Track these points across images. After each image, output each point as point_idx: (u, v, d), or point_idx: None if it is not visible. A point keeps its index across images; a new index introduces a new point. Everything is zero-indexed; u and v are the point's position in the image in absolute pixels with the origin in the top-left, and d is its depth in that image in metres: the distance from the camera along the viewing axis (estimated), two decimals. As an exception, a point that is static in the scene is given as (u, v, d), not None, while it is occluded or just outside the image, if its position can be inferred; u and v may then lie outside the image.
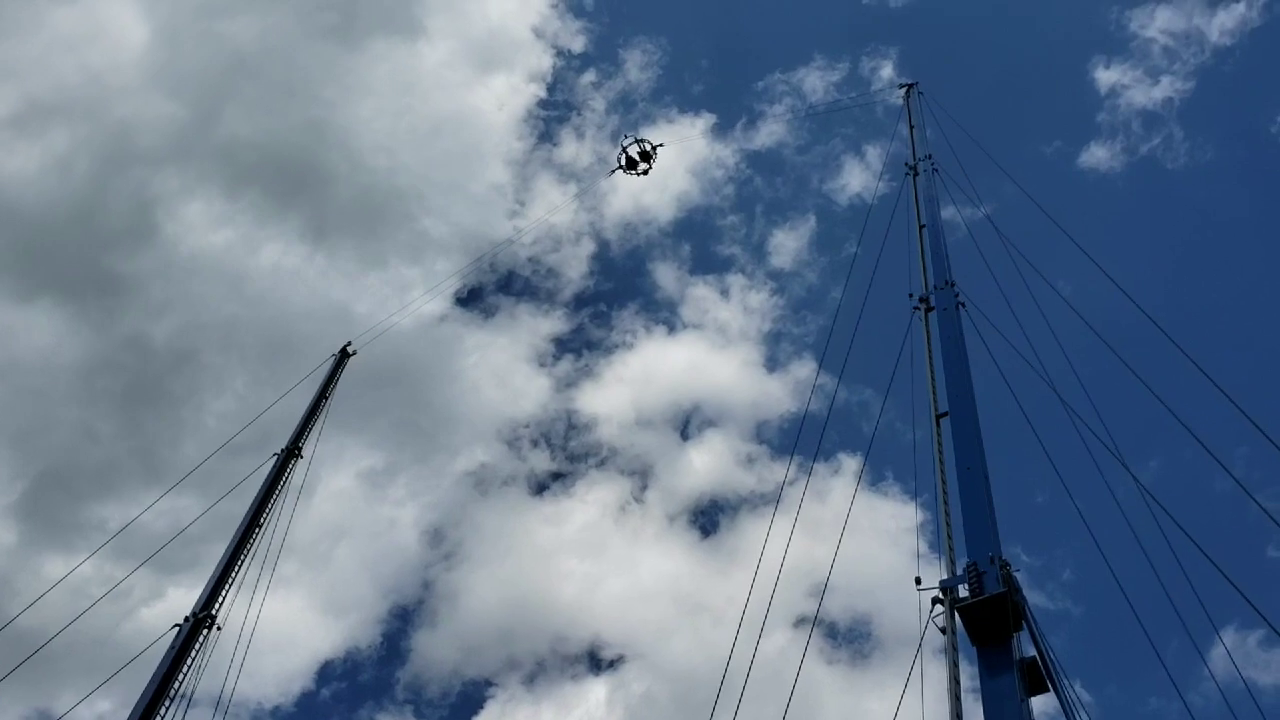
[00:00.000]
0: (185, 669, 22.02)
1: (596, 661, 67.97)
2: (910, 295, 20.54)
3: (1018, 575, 13.11)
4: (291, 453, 28.19)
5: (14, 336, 60.55)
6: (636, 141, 50.42)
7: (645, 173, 50.18)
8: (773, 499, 18.95)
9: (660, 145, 50.46)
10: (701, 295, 77.74)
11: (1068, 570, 62.37)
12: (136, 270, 65.43)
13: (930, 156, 27.67)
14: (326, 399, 30.94)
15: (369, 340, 35.75)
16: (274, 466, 27.42)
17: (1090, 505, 17.30)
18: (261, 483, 26.80)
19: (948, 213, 24.97)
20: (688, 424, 72.72)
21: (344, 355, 33.32)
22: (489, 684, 67.13)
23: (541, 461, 70.66)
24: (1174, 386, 18.59)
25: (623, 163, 49.79)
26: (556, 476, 71.27)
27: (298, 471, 27.76)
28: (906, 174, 27.38)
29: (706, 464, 71.05)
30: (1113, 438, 17.50)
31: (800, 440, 20.69)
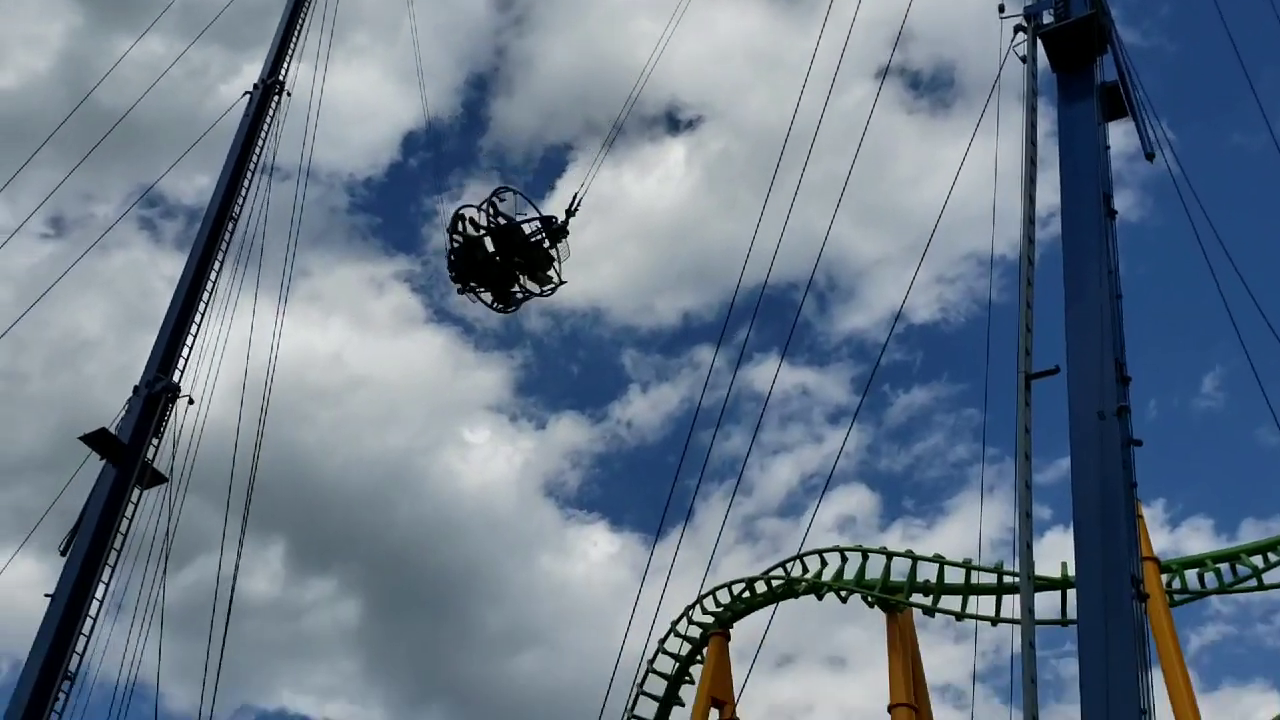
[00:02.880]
0: (263, 135, 22.51)
1: (675, 122, 68.46)
2: None
3: (1107, -3, 12.43)
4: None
5: None
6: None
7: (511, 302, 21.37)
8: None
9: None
10: None
11: (1167, 6, 59.53)
12: None
13: None
14: None
15: None
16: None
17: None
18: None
19: None
20: None
21: None
22: (569, 148, 68.42)
23: (610, -91, 66.62)
24: None
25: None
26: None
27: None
28: None
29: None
30: None
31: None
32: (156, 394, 18.99)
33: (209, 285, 20.40)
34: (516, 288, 20.76)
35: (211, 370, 20.02)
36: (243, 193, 21.43)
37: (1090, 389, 10.87)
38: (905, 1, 16.64)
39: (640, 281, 69.04)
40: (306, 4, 24.24)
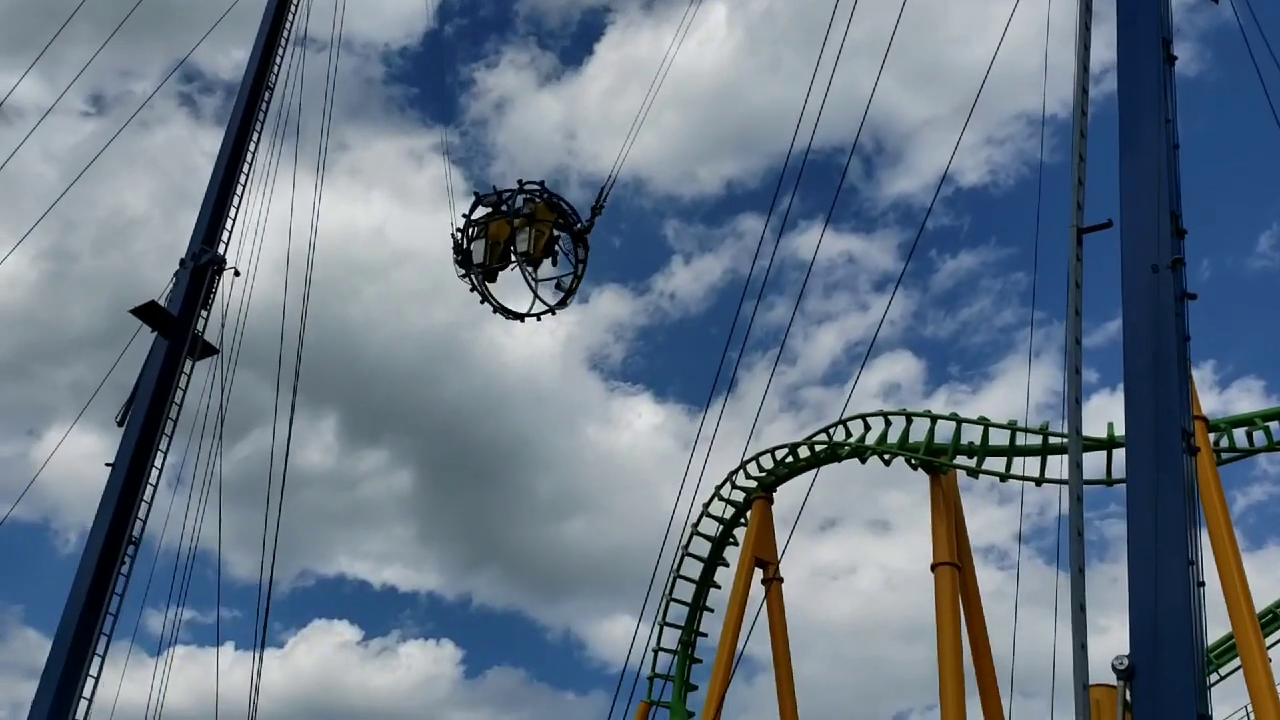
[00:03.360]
0: (294, 4, 22.09)
1: (715, -20, 66.36)
2: None
3: None
4: None
5: None
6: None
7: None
8: None
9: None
10: None
11: None
12: None
13: None
14: None
15: None
16: None
17: None
18: None
19: None
20: None
21: None
22: (607, 11, 66.79)
23: None
24: None
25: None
26: None
27: None
28: None
29: None
30: None
31: None
32: (203, 266, 19.11)
33: (248, 158, 20.32)
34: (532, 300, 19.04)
35: (256, 243, 20.13)
36: (276, 65, 21.15)
37: (1145, 242, 10.63)
38: None
39: (682, 149, 68.07)
40: None
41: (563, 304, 19.09)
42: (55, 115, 22.99)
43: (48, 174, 44.72)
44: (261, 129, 20.74)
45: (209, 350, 19.08)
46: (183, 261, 19.20)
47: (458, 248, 18.94)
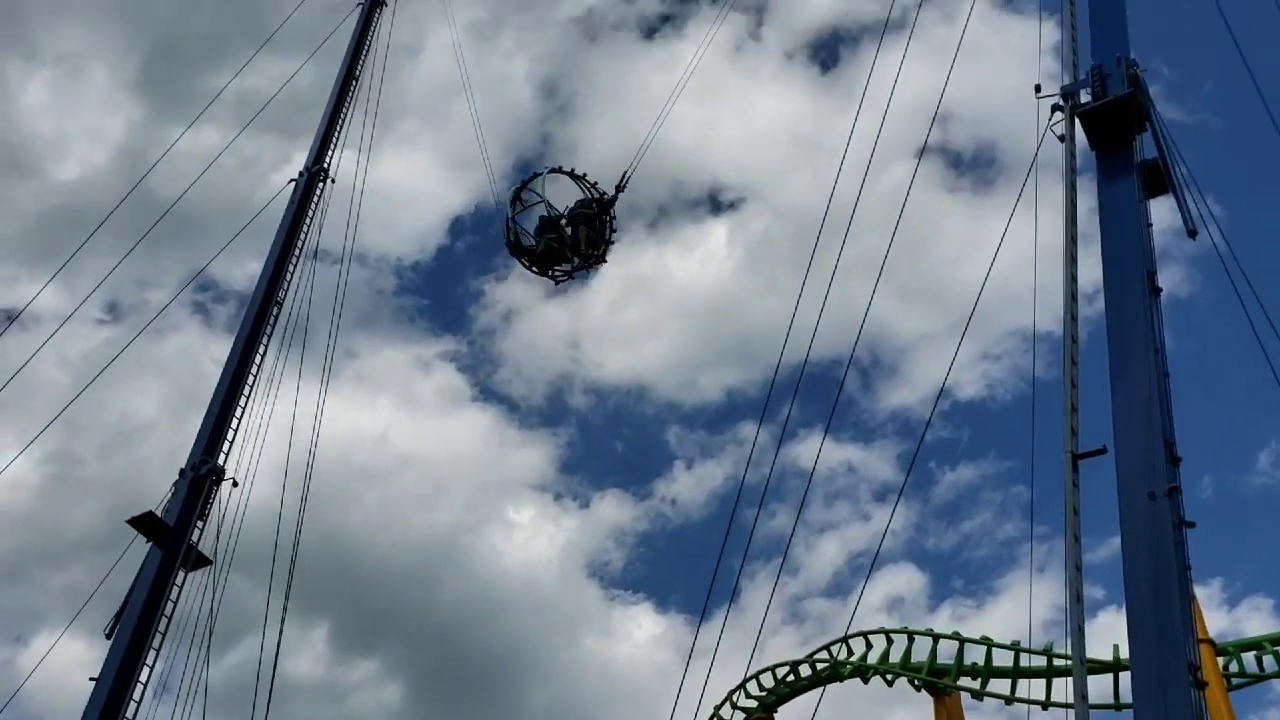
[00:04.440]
0: (308, 222, 22.93)
1: (717, 204, 69.10)
2: None
3: (1143, 75, 12.45)
4: (376, 1, 27.44)
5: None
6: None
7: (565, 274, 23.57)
8: (899, 25, 17.92)
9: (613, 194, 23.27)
10: None
11: (1210, 81, 59.56)
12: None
13: None
14: (404, -59, 29.51)
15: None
16: (360, 16, 26.84)
17: (1236, 7, 15.99)
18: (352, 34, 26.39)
19: None
20: (806, -53, 68.67)
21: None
22: (613, 229, 69.20)
23: (649, 2, 68.08)
24: None
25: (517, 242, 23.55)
26: (666, 19, 68.85)
27: (385, 21, 27.20)
28: None
29: (827, -9, 67.71)
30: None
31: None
32: (201, 477, 19.15)
33: (254, 369, 20.66)
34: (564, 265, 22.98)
35: (255, 452, 20.22)
36: (288, 278, 21.77)
37: (1139, 470, 10.68)
38: (943, 83, 16.77)
39: (684, 358, 69.27)
40: (351, 94, 24.87)
41: (600, 260, 23.00)
42: (70, 322, 23.50)
43: (60, 379, 45.40)
44: (269, 340, 21.20)
45: (203, 561, 18.91)
46: (182, 472, 19.25)
47: (510, 243, 22.84)
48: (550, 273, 23.24)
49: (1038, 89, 12.79)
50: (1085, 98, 12.46)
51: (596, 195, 23.12)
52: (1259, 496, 60.37)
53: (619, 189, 23.02)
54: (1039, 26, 14.89)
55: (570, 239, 22.81)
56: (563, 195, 23.84)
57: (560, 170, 23.30)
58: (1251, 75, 14.59)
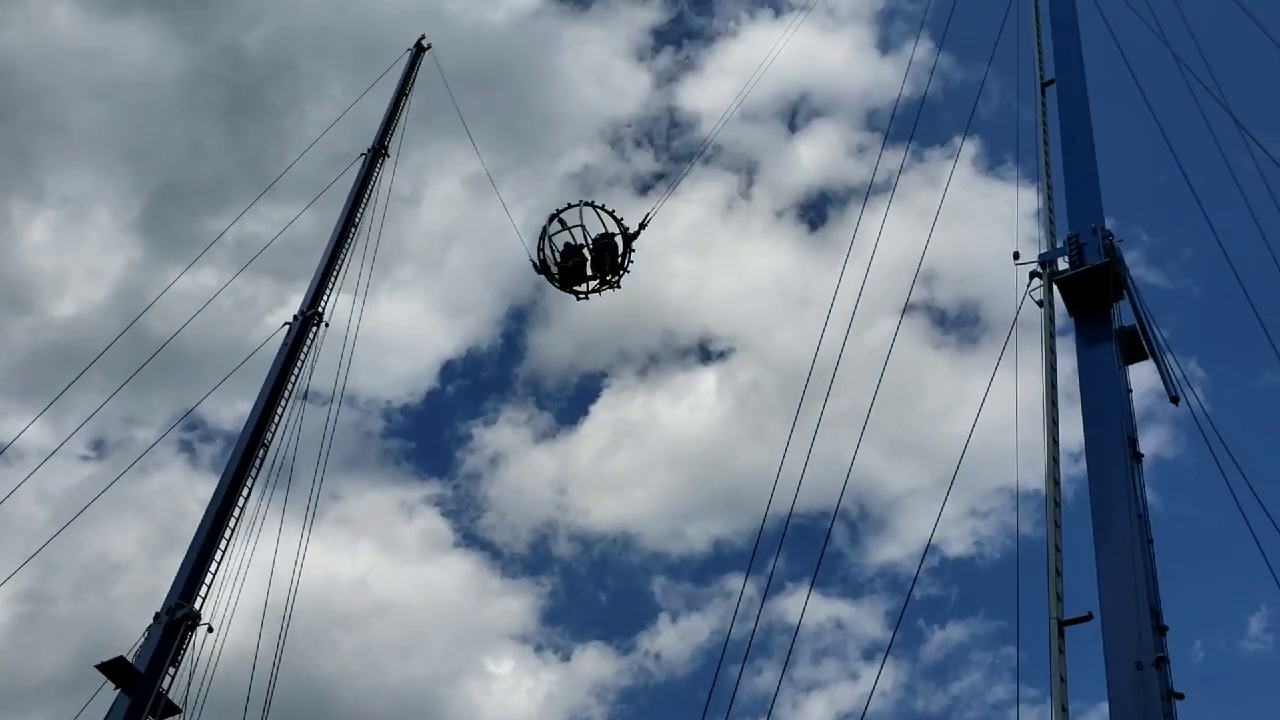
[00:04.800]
0: (299, 365, 23.07)
1: (707, 353, 69.81)
2: (1016, -47, 19.00)
3: (1120, 245, 12.76)
4: (378, 153, 28.21)
5: (112, 53, 60.36)
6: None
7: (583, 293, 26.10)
8: (884, 189, 18.46)
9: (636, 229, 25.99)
10: (811, -28, 73.63)
11: (1188, 249, 60.84)
12: (225, -21, 64.04)
13: None
14: (406, 96, 30.56)
15: (447, 37, 34.85)
16: (363, 166, 27.54)
17: (1209, 179, 16.48)
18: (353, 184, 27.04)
19: None
20: (795, 115, 70.73)
21: (419, 49, 32.53)
22: (603, 376, 69.71)
23: (645, 162, 70.00)
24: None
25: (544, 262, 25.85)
26: (660, 177, 70.81)
27: (386, 170, 27.93)
28: None
29: (815, 156, 69.52)
30: (1231, 108, 16.41)
31: (915, 126, 19.82)
32: (176, 622, 18.79)
33: (236, 512, 20.49)
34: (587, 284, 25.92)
35: (233, 597, 19.88)
36: (275, 421, 21.78)
37: (1126, 639, 10.53)
38: (930, 242, 17.14)
39: (671, 507, 68.66)
40: (349, 241, 25.36)
41: (616, 285, 25.84)
42: (54, 458, 23.42)
43: (39, 515, 44.80)
44: (253, 483, 21.07)
45: (172, 710, 18.39)
46: (157, 615, 18.90)
47: (538, 265, 25.55)
48: (572, 289, 26.11)
49: (1016, 256, 13.08)
50: (1063, 265, 12.72)
51: (621, 230, 25.90)
52: (1251, 664, 59.23)
53: (642, 226, 25.96)
54: (1017, 194, 15.34)
55: (592, 263, 25.73)
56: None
57: (590, 204, 26.12)
58: (1222, 248, 14.92)
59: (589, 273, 25.68)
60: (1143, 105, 16.66)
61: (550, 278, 25.66)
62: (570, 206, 25.82)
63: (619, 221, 25.90)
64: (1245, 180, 16.56)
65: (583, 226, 25.63)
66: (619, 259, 25.71)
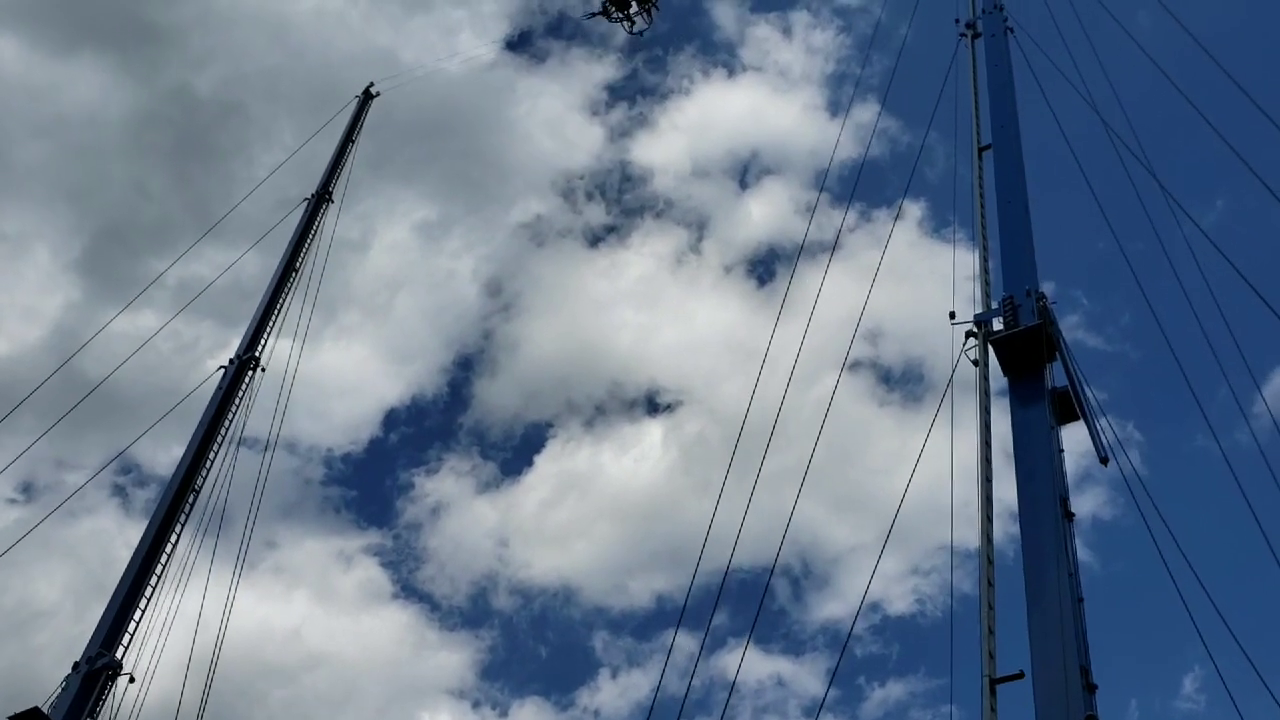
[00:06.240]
0: (233, 409, 22.71)
1: (654, 405, 69.81)
2: (957, 21, 19.52)
3: (1054, 308, 13.00)
4: (322, 197, 28.08)
5: (59, 91, 59.72)
6: None
7: (639, 29, 34.97)
8: (832, 246, 18.69)
9: None
10: (763, 35, 74.69)
11: (1127, 314, 62.18)
12: (176, 19, 63.61)
13: None
14: (353, 142, 30.55)
15: (396, 85, 34.92)
16: (306, 211, 27.38)
17: (1145, 247, 16.88)
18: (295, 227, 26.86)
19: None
20: (746, 172, 71.63)
21: (367, 96, 32.59)
22: (549, 426, 69.38)
23: (597, 214, 70.41)
24: (1243, 133, 17.67)
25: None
26: (611, 229, 71.28)
27: (331, 215, 27.79)
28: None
29: (765, 214, 70.39)
30: (1166, 178, 16.84)
31: (859, 188, 20.12)
32: (96, 671, 18.22)
33: (164, 558, 20.00)
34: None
35: (157, 647, 19.34)
36: (208, 465, 21.39)
37: (1056, 696, 10.60)
38: (875, 301, 17.34)
39: (614, 561, 68.22)
40: (290, 285, 25.14)
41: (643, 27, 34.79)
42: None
43: (-41, 559, 43.47)
44: (182, 528, 20.60)
45: (88, 763, 17.79)
46: (76, 665, 18.32)
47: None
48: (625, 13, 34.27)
49: (952, 315, 13.27)
50: (998, 325, 12.93)
51: None
52: (1186, 722, 59.77)
53: None
54: (953, 255, 15.59)
55: None
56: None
57: None
58: (1154, 315, 15.24)
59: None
60: (1073, 173, 17.09)
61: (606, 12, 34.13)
62: None
63: None
64: (1176, 248, 17.01)
65: None
66: None
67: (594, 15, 35.30)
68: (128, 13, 62.37)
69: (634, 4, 34.37)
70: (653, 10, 34.32)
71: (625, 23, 34.78)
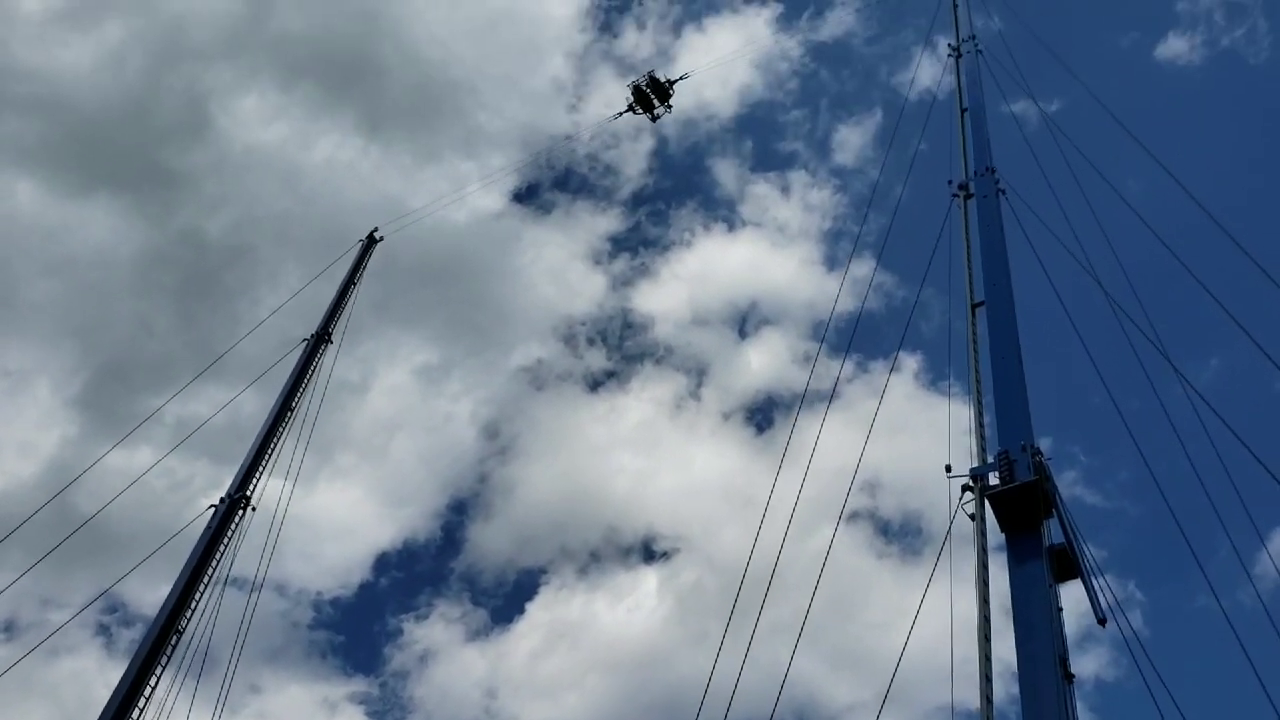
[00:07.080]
0: (222, 549, 22.44)
1: (650, 552, 69.12)
2: (950, 182, 20.04)
3: (1049, 464, 12.99)
4: (321, 338, 28.32)
5: (71, 232, 61.02)
6: (650, 78, 44.24)
7: (658, 115, 44.56)
8: (829, 396, 18.82)
9: (681, 78, 44.31)
10: (762, 193, 76.93)
11: (1125, 471, 62.10)
12: (191, 165, 65.49)
13: (975, 38, 26.79)
14: (354, 284, 30.99)
15: (399, 228, 35.64)
16: (304, 351, 27.58)
17: (1141, 404, 16.99)
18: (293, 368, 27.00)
19: (1012, 103, 24.27)
20: (745, 322, 72.63)
21: (371, 241, 33.22)
22: (542, 572, 68.47)
23: (597, 359, 71.11)
24: (1236, 292, 18.00)
25: (632, 101, 44.26)
26: (611, 374, 71.82)
27: (329, 356, 27.98)
28: (949, 55, 26.55)
29: (763, 362, 71.10)
30: (1160, 336, 17.05)
31: (856, 339, 20.39)
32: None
33: (142, 702, 19.46)
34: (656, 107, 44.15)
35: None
36: (193, 606, 21.01)
37: None
38: (873, 453, 17.33)
39: (606, 714, 66.53)
40: (285, 425, 25.13)
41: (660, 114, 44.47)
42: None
43: (-64, 701, 42.31)
44: (163, 672, 20.11)
45: None
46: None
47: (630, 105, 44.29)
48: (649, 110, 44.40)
49: (948, 469, 13.26)
50: (994, 480, 12.89)
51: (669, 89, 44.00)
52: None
53: (672, 84, 44.28)
54: (948, 408, 15.67)
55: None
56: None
57: (652, 74, 44.24)
58: (1152, 474, 15.24)
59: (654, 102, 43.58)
60: (1066, 329, 17.29)
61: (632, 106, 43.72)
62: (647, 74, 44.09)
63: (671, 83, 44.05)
64: (1175, 404, 17.09)
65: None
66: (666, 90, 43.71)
67: (621, 115, 44.80)
68: (145, 157, 64.16)
69: (655, 100, 44.09)
70: (669, 101, 44.11)
71: (648, 114, 44.72)
